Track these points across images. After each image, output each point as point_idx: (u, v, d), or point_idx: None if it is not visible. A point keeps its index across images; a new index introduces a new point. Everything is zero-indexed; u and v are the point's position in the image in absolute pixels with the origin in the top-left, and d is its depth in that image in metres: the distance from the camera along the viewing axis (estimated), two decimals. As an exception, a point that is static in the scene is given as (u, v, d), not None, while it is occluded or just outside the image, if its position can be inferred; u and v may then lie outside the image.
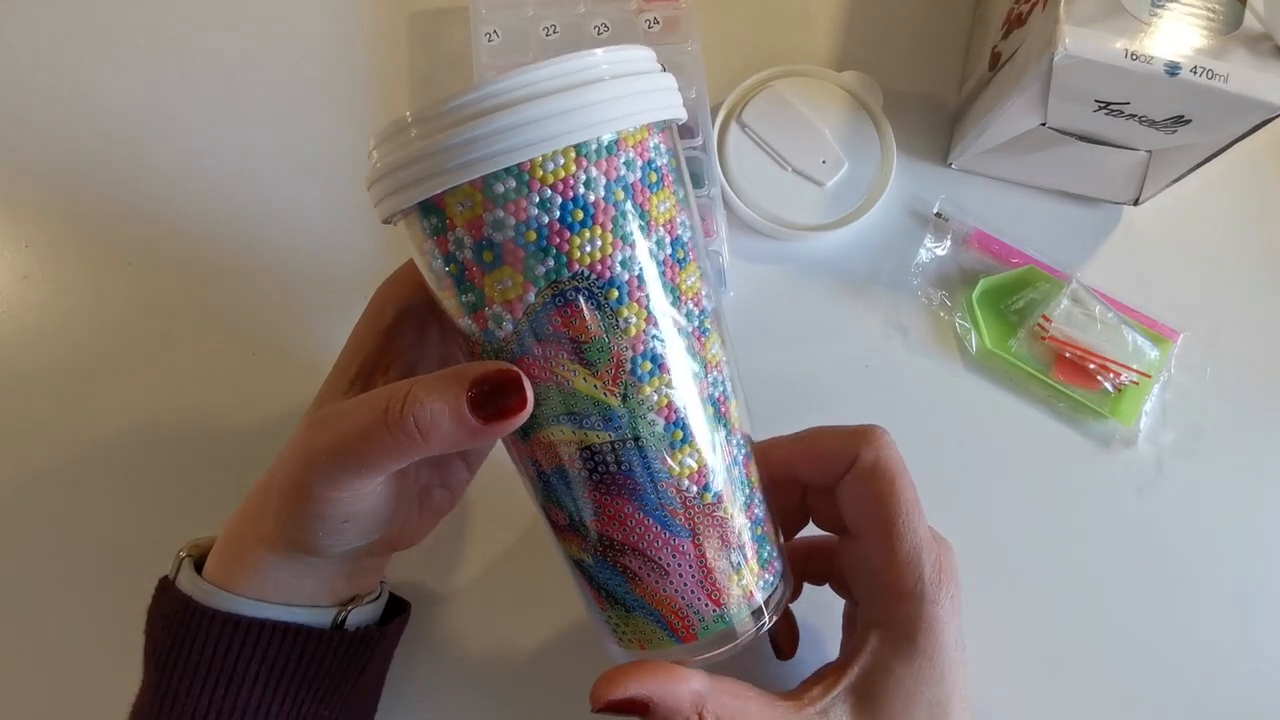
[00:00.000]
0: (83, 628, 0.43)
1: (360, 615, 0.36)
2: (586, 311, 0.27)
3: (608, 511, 0.29)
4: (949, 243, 0.48)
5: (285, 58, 0.51)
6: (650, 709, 0.28)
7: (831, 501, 0.34)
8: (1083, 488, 0.45)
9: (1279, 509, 0.45)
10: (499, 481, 0.43)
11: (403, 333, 0.33)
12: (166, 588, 0.35)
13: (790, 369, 0.46)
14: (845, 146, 0.47)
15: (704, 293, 0.30)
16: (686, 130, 0.47)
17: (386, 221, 0.29)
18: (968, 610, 0.43)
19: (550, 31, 0.48)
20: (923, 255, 0.48)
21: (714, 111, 0.48)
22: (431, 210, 0.27)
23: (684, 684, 0.29)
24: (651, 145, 0.28)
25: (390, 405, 0.27)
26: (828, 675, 0.32)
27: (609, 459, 0.28)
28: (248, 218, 0.48)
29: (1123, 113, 0.40)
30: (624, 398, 0.28)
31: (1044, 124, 0.42)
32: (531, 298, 0.27)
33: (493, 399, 0.27)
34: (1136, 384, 0.45)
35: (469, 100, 0.26)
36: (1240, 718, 0.43)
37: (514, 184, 0.26)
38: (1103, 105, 0.40)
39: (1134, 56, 0.36)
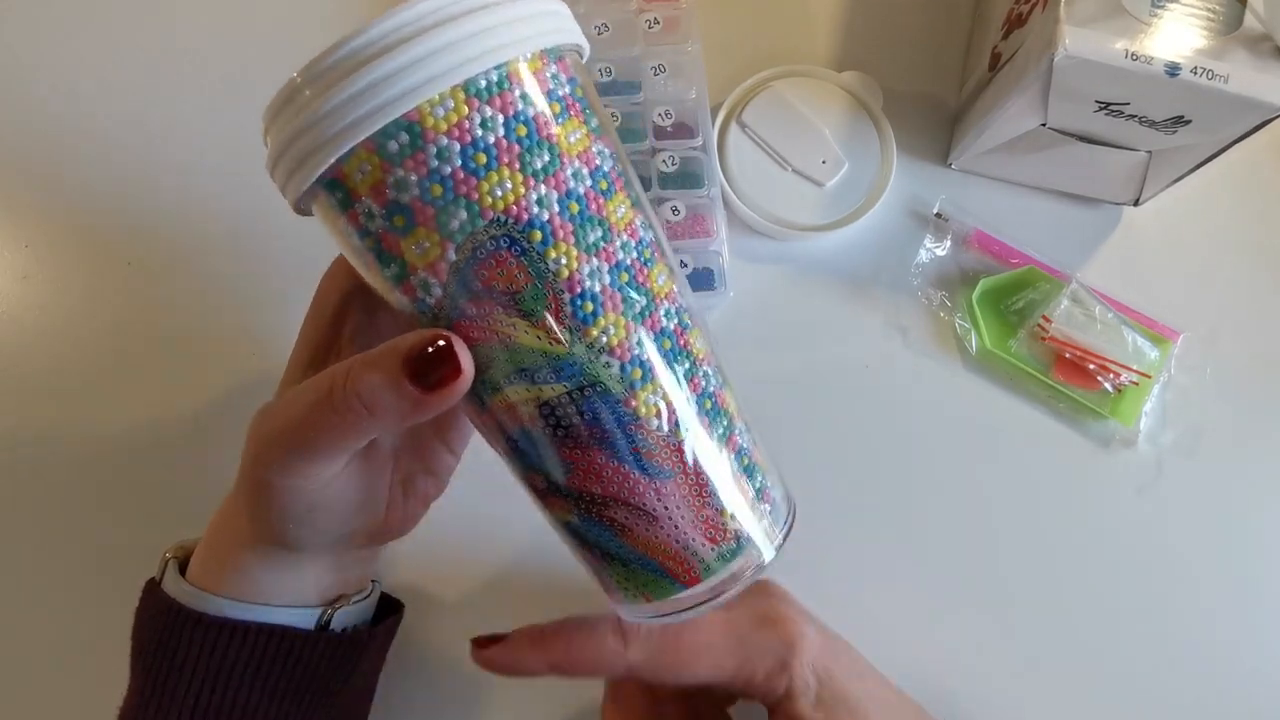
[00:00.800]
0: (82, 628, 0.43)
1: (349, 615, 0.36)
2: (512, 259, 0.25)
3: (581, 466, 0.28)
4: (949, 243, 0.48)
5: (285, 58, 0.51)
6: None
7: None
8: (1083, 488, 0.45)
9: (1279, 509, 0.45)
10: (496, 479, 0.43)
11: (349, 318, 0.32)
12: (152, 590, 0.34)
13: (790, 369, 0.46)
14: (845, 147, 0.48)
15: (638, 222, 0.28)
16: (686, 130, 0.47)
17: (300, 212, 0.28)
18: (966, 611, 0.43)
19: (550, 31, 0.48)
20: (923, 255, 0.48)
21: (714, 112, 0.48)
22: (334, 185, 0.26)
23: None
24: (549, 75, 0.26)
25: (334, 386, 0.27)
26: None
27: (570, 411, 0.27)
28: (247, 218, 0.48)
29: (1123, 113, 0.40)
30: (570, 344, 0.26)
31: (1044, 124, 0.42)
32: (452, 255, 0.25)
33: (429, 369, 0.25)
34: (1136, 384, 0.45)
35: (340, 55, 0.25)
36: (1241, 717, 0.43)
37: (406, 138, 0.25)
38: (1103, 106, 0.40)
39: (1134, 57, 0.36)
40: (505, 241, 0.25)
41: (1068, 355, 0.46)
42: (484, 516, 0.44)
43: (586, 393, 0.27)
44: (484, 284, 0.26)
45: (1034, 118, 0.42)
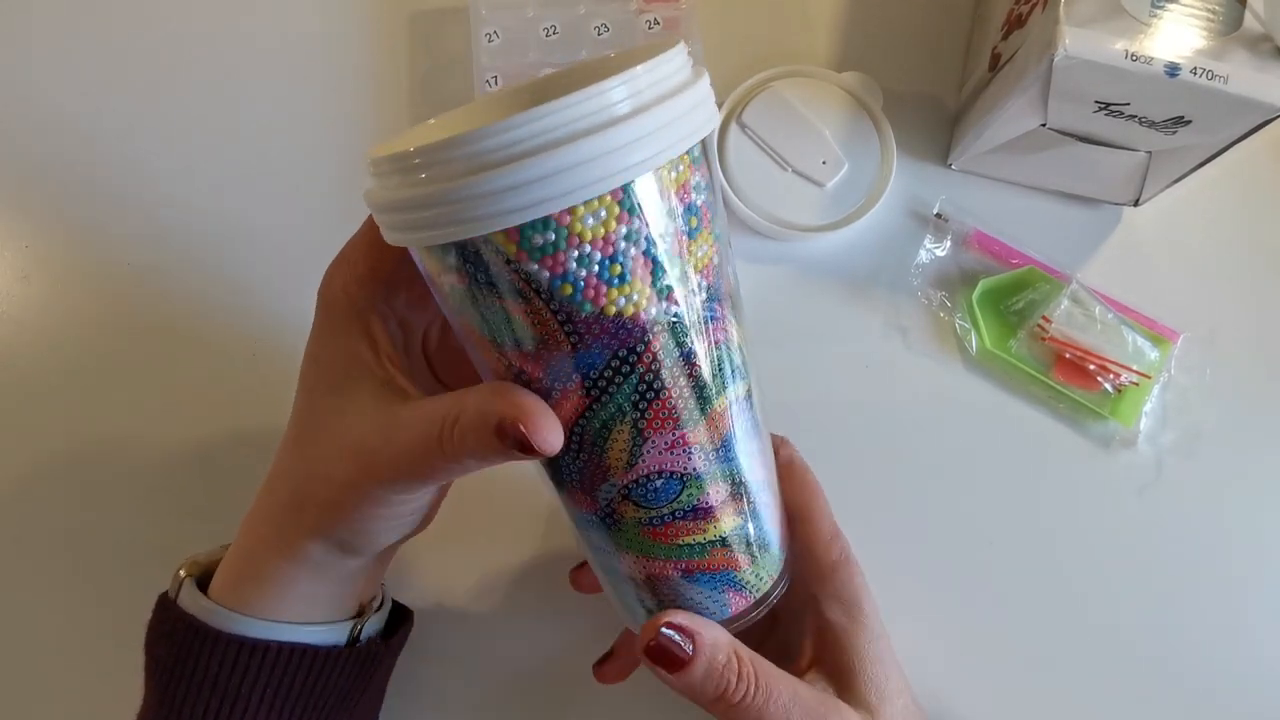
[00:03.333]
0: (82, 629, 0.43)
1: (370, 627, 0.36)
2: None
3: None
4: (949, 243, 0.48)
5: (285, 58, 0.51)
6: (695, 642, 0.31)
7: None
8: (1083, 489, 0.45)
9: (1278, 509, 0.45)
10: (500, 484, 0.44)
11: (376, 326, 0.32)
12: (167, 606, 0.34)
13: (790, 369, 0.46)
14: (845, 147, 0.47)
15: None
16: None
17: (394, 242, 0.28)
18: (966, 611, 0.43)
19: (550, 32, 0.48)
20: (923, 256, 0.48)
21: (714, 112, 0.48)
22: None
23: (719, 629, 0.32)
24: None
25: (444, 443, 0.28)
26: (798, 653, 0.36)
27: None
28: (247, 218, 0.48)
29: (1123, 113, 0.40)
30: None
31: (1044, 125, 0.42)
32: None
33: (519, 442, 0.27)
34: (1136, 385, 0.45)
35: (521, 132, 0.23)
36: (1241, 717, 0.43)
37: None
38: (1103, 106, 0.40)
39: (1134, 57, 0.36)
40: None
41: (1068, 355, 0.46)
42: (484, 517, 0.44)
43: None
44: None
45: (1034, 118, 0.42)
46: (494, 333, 0.27)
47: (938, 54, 0.51)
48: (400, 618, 0.39)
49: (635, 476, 0.29)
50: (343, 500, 0.31)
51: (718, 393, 0.28)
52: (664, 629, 0.31)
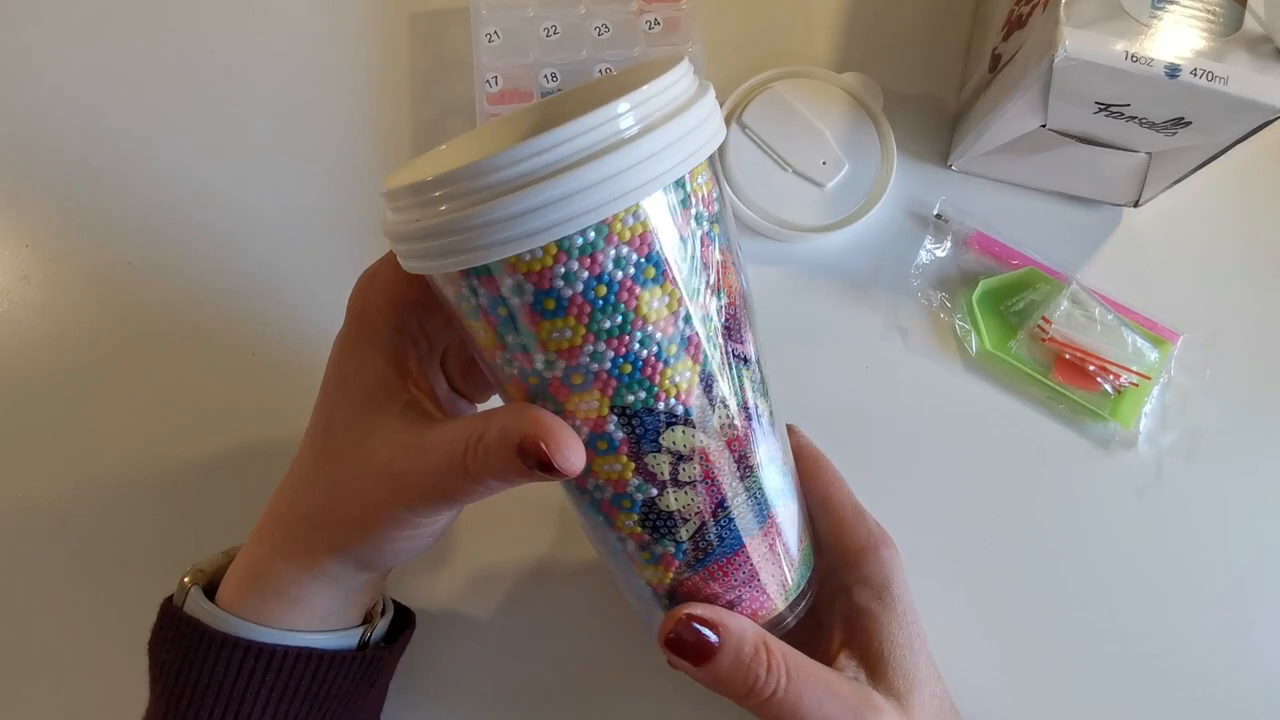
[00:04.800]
0: (82, 630, 0.43)
1: (376, 632, 0.36)
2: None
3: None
4: (949, 244, 0.48)
5: (286, 58, 0.51)
6: (720, 633, 0.30)
7: None
8: (1082, 490, 0.45)
9: (1278, 510, 0.45)
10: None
11: (405, 347, 0.32)
12: (172, 611, 0.34)
13: (790, 370, 0.46)
14: (845, 148, 0.48)
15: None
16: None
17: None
18: (967, 612, 0.43)
19: (551, 32, 0.48)
20: (923, 256, 0.48)
21: (714, 113, 0.48)
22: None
23: (745, 620, 0.31)
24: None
25: (469, 465, 0.28)
26: (828, 638, 0.35)
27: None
28: (248, 218, 0.48)
29: (1123, 114, 0.40)
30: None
31: (1044, 126, 0.42)
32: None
33: (540, 461, 0.27)
34: (1136, 386, 0.45)
35: (548, 159, 0.24)
36: (1241, 718, 0.43)
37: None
38: (1103, 107, 0.40)
39: (1134, 58, 0.36)
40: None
41: (1068, 356, 0.46)
42: (487, 517, 0.44)
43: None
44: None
45: (1034, 119, 0.42)
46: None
47: (938, 55, 0.51)
48: (403, 620, 0.39)
49: None
50: (368, 521, 0.31)
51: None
52: (686, 619, 0.30)
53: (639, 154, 0.24)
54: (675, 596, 0.32)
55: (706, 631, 0.30)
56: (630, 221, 0.24)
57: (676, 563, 0.30)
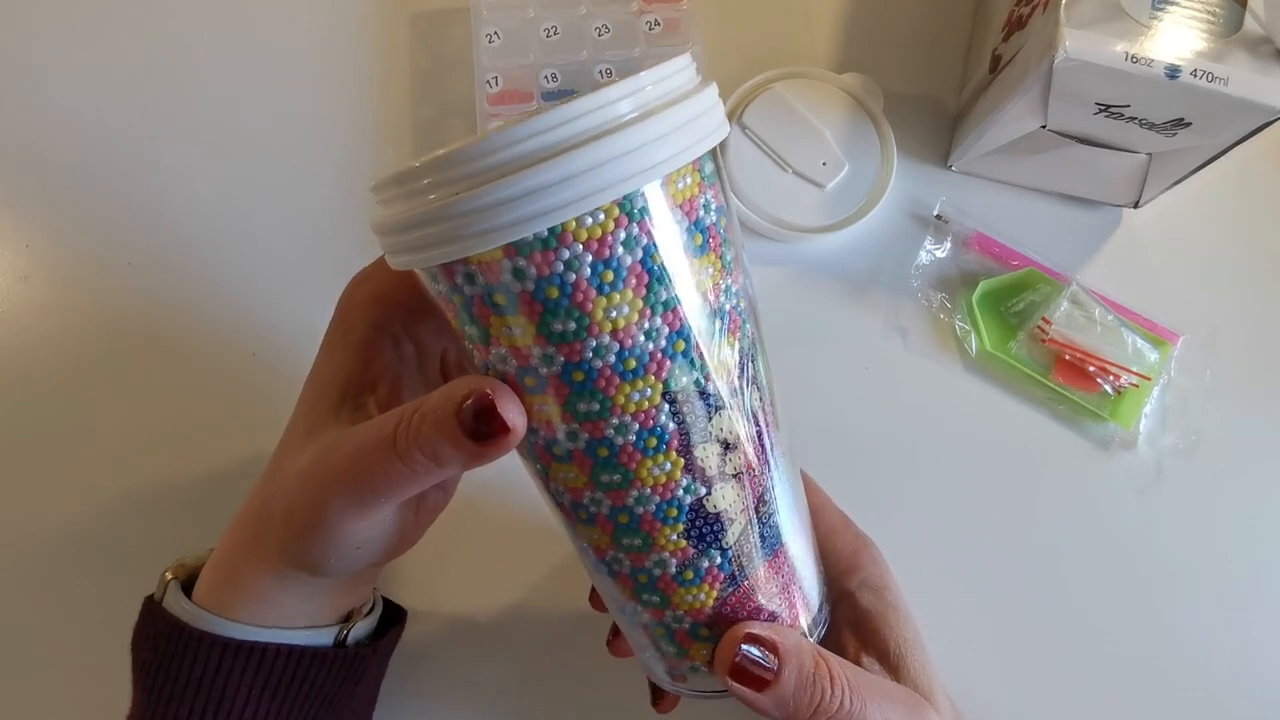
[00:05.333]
0: (81, 630, 0.43)
1: (358, 630, 0.36)
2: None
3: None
4: (949, 245, 0.48)
5: (286, 58, 0.51)
6: (778, 654, 0.28)
7: None
8: (1082, 490, 0.45)
9: (1278, 511, 0.45)
10: (496, 485, 0.44)
11: (380, 349, 0.32)
12: (152, 609, 0.34)
13: (790, 371, 0.46)
14: (846, 148, 0.48)
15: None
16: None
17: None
18: (966, 612, 0.43)
19: (551, 33, 0.48)
20: (923, 257, 0.48)
21: (714, 113, 0.48)
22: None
23: (798, 634, 0.30)
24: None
25: (398, 439, 0.27)
26: (841, 645, 0.35)
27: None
28: (248, 218, 0.48)
29: (1123, 115, 0.40)
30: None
31: (1044, 126, 0.42)
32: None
33: (480, 424, 0.26)
34: (1136, 386, 0.45)
35: (496, 158, 0.23)
36: (1241, 718, 0.43)
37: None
38: (1103, 108, 0.40)
39: (1134, 59, 0.36)
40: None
41: (1068, 357, 0.46)
42: (483, 518, 0.44)
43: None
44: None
45: (1034, 120, 0.42)
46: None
47: (938, 56, 0.51)
48: (393, 618, 0.39)
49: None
50: (292, 521, 0.30)
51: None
52: (744, 646, 0.28)
53: (643, 137, 0.23)
54: (714, 624, 0.30)
55: (761, 653, 0.28)
56: (630, 207, 0.24)
57: (722, 576, 0.29)
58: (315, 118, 0.50)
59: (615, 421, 0.26)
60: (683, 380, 0.26)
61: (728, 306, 0.27)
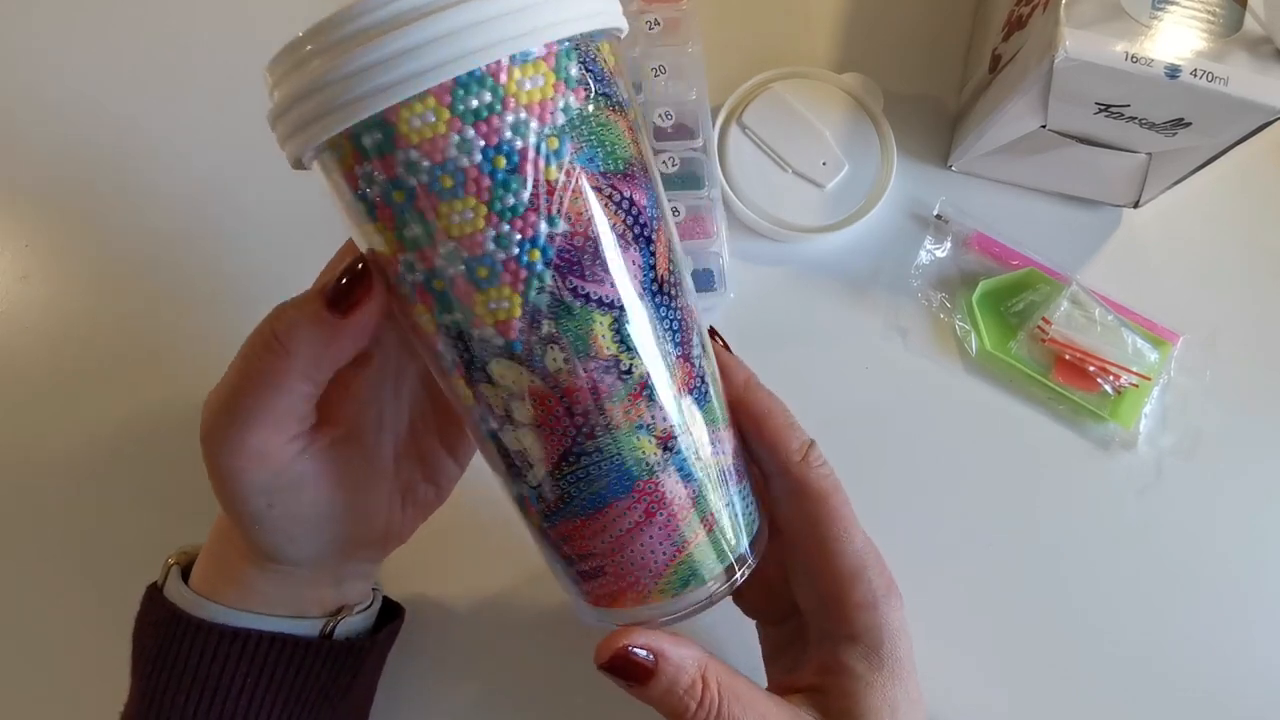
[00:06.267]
0: (81, 629, 0.43)
1: (351, 624, 0.36)
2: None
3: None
4: (949, 245, 0.48)
5: (286, 58, 0.51)
6: (658, 662, 0.29)
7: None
8: (1082, 490, 0.45)
9: (1278, 511, 0.45)
10: (495, 483, 0.43)
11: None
12: (154, 596, 0.34)
13: (790, 371, 0.46)
14: (845, 148, 0.48)
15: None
16: (687, 131, 0.47)
17: (296, 166, 0.28)
18: (966, 613, 0.43)
19: (551, 33, 0.48)
20: (923, 257, 0.48)
21: (714, 113, 0.48)
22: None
23: (689, 648, 0.29)
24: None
25: (252, 334, 0.27)
26: (799, 680, 0.33)
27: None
28: (249, 217, 0.48)
29: (1123, 115, 0.40)
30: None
31: (1044, 126, 0.42)
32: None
33: (347, 289, 0.26)
34: (1136, 386, 0.45)
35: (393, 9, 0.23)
36: (1241, 718, 0.43)
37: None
38: (1103, 107, 0.40)
39: (1134, 59, 0.36)
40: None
41: (1068, 357, 0.46)
42: (484, 519, 0.44)
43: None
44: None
45: (1034, 119, 0.42)
46: (608, 159, 0.25)
47: (938, 55, 0.51)
48: (390, 616, 0.39)
49: (699, 312, 0.28)
50: (215, 487, 0.30)
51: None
52: (625, 650, 0.28)
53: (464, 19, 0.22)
54: (549, 541, 0.29)
55: (644, 654, 0.28)
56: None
57: (534, 509, 0.28)
58: (315, 118, 0.50)
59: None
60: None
61: (506, 256, 0.24)
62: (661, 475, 0.28)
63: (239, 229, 0.48)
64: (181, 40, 0.51)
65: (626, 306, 0.26)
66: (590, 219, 0.24)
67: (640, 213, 0.26)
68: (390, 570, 0.43)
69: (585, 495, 0.27)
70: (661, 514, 0.28)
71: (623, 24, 0.26)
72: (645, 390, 0.26)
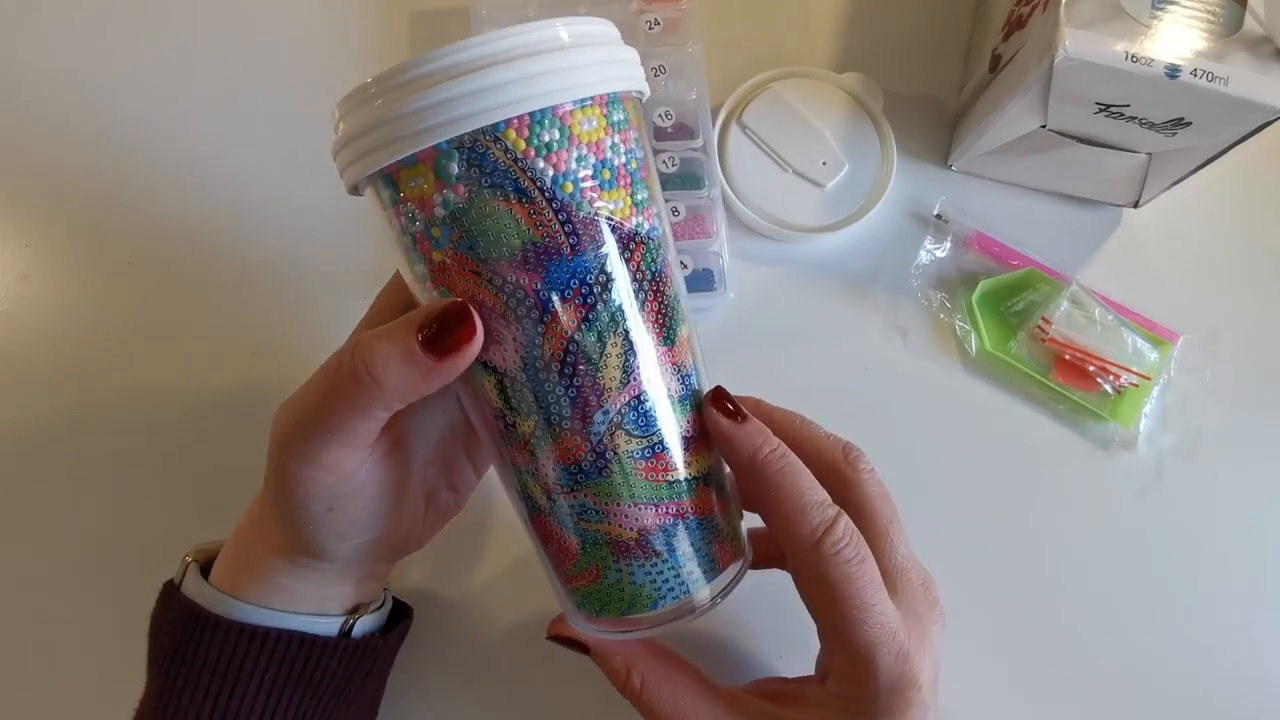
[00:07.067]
0: (82, 629, 0.43)
1: (365, 623, 0.36)
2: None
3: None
4: (949, 244, 0.48)
5: (285, 58, 0.51)
6: (589, 650, 0.33)
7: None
8: (1082, 490, 0.45)
9: (1278, 511, 0.45)
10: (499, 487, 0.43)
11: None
12: (171, 593, 0.34)
13: (790, 370, 0.46)
14: (846, 148, 0.48)
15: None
16: (687, 131, 0.47)
17: (353, 192, 0.30)
18: (967, 613, 0.43)
19: (551, 32, 0.48)
20: (923, 257, 0.48)
21: (714, 113, 0.48)
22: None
23: (627, 652, 0.32)
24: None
25: (341, 359, 0.28)
26: (776, 695, 0.34)
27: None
28: (248, 218, 0.48)
29: (1123, 115, 0.40)
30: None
31: (1044, 126, 0.42)
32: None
33: (443, 334, 0.27)
34: (1136, 386, 0.45)
35: (435, 65, 0.27)
36: (1241, 718, 0.43)
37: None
38: (1103, 107, 0.40)
39: (1134, 59, 0.36)
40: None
41: (1067, 357, 0.46)
42: (485, 514, 0.44)
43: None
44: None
45: (1034, 119, 0.42)
46: (490, 247, 0.27)
47: (938, 55, 0.51)
48: (401, 614, 0.39)
49: (628, 397, 0.28)
50: (268, 488, 0.31)
51: (683, 318, 0.30)
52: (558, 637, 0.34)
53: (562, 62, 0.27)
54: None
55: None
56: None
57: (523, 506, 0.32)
58: (315, 117, 0.50)
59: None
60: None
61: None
62: (548, 519, 0.31)
63: (239, 229, 0.48)
64: (182, 40, 0.51)
65: (506, 374, 0.28)
66: (471, 295, 0.28)
67: (527, 295, 0.27)
68: (397, 572, 0.43)
69: (518, 505, 0.32)
70: (551, 547, 0.31)
71: (540, 105, 0.27)
72: (528, 447, 0.29)
